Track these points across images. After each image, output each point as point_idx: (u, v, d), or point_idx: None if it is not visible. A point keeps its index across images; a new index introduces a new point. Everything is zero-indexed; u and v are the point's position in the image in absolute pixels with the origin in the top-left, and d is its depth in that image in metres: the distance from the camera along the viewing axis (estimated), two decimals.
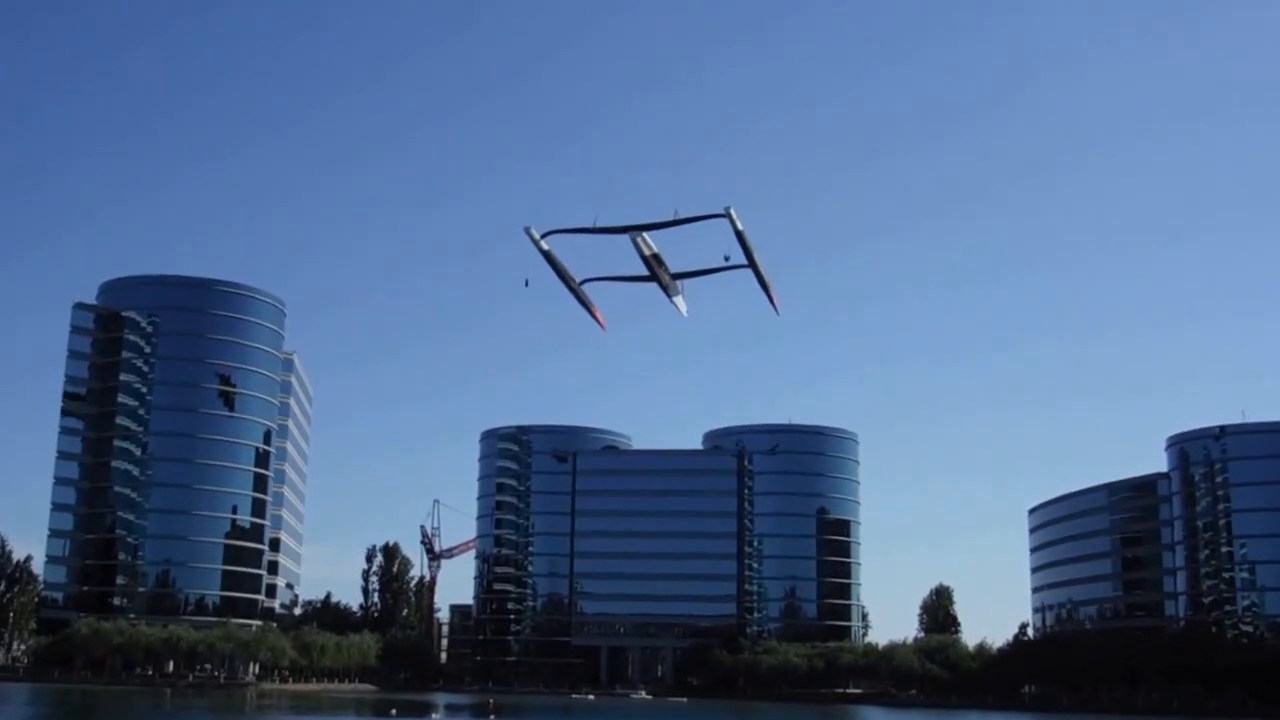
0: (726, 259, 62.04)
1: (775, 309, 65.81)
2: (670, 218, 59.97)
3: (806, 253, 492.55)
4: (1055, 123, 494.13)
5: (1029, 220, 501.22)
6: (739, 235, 60.36)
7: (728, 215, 59.45)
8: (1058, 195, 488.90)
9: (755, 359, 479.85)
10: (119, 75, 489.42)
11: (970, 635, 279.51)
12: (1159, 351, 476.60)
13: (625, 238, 61.86)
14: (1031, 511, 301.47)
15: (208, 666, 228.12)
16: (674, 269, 64.11)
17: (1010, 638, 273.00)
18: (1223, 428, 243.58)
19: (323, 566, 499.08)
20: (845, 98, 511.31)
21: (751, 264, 61.95)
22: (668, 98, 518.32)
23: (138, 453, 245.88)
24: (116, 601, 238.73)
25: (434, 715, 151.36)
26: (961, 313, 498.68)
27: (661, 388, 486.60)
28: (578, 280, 65.26)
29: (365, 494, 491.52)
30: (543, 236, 63.22)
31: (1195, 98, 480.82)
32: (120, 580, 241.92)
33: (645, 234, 61.83)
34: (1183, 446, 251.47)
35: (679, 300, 65.94)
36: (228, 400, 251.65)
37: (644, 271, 64.38)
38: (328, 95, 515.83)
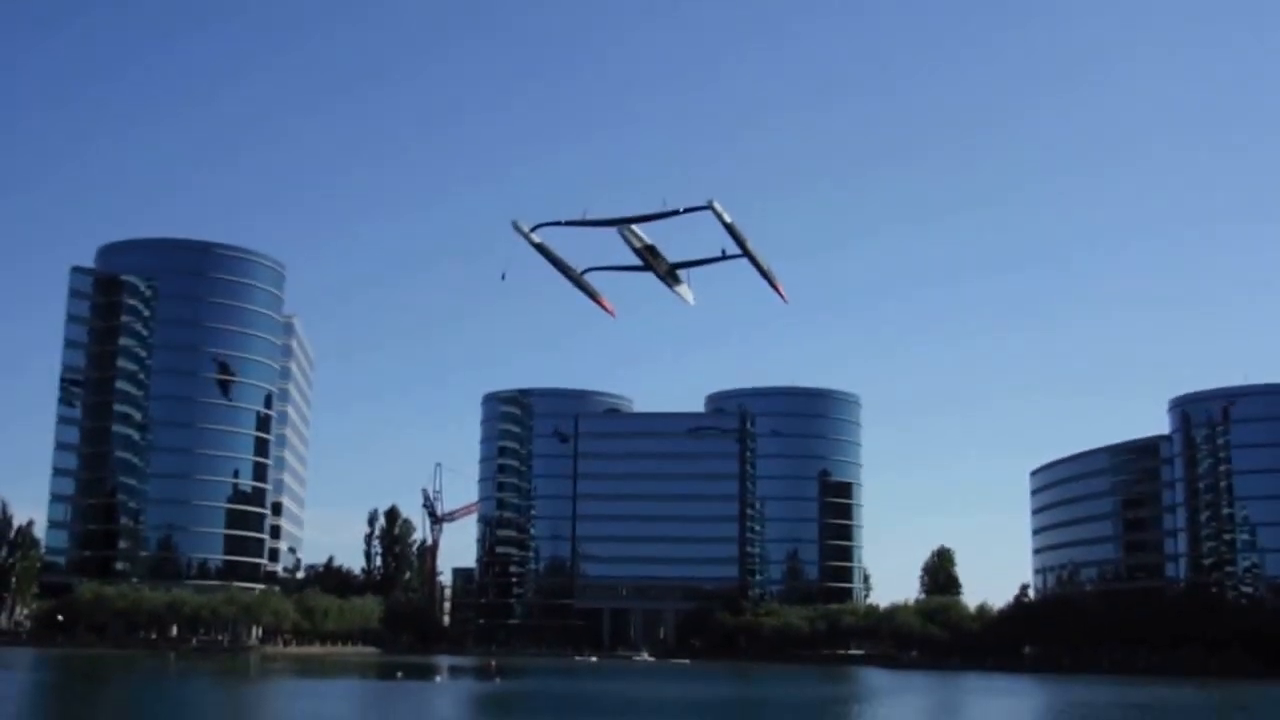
0: (724, 252, 60.73)
1: (782, 298, 64.38)
2: (659, 209, 58.43)
3: (816, 233, 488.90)
4: (1062, 110, 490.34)
5: (1034, 201, 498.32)
6: (728, 227, 58.99)
7: (711, 208, 58.11)
8: (1067, 173, 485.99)
9: (758, 323, 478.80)
10: (125, 53, 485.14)
11: (971, 597, 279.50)
12: (1161, 314, 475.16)
13: (619, 230, 60.53)
14: (1033, 474, 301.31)
15: (211, 630, 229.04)
16: (675, 258, 62.61)
17: (1011, 599, 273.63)
18: (1225, 390, 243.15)
19: (325, 530, 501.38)
20: (862, 91, 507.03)
21: (747, 254, 60.68)
22: (680, 87, 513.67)
23: (138, 417, 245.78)
24: (119, 566, 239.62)
25: (437, 677, 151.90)
26: (965, 278, 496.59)
27: (664, 351, 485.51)
28: (579, 270, 63.84)
29: (367, 457, 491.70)
30: (532, 230, 61.79)
31: (1195, 94, 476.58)
32: (122, 544, 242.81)
33: (636, 226, 60.31)
34: (1184, 409, 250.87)
35: (682, 289, 64.08)
36: (228, 364, 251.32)
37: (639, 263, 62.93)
38: (335, 75, 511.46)
